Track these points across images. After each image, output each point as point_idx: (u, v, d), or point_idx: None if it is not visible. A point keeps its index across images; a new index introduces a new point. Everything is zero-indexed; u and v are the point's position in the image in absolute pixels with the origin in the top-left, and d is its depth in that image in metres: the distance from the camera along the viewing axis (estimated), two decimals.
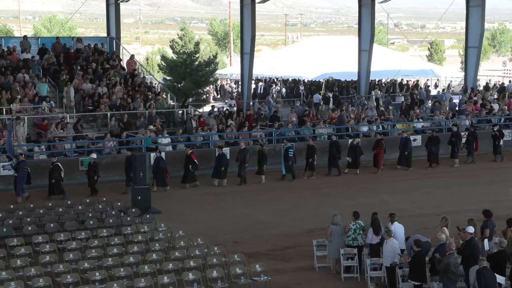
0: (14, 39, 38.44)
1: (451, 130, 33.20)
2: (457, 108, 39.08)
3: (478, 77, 46.22)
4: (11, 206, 23.13)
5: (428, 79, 57.83)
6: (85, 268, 17.34)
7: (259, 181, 29.24)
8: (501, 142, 33.77)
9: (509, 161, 33.81)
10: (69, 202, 23.60)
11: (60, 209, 22.43)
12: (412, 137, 33.77)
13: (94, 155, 27.19)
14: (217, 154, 28.87)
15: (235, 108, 40.09)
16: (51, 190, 26.18)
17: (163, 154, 28.17)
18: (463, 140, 33.39)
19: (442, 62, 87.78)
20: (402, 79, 52.30)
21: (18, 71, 32.98)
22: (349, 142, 31.53)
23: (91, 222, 21.21)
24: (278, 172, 30.04)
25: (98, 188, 26.76)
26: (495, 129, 34.19)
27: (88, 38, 38.73)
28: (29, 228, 20.48)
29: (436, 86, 58.80)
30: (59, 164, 26.18)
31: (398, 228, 18.06)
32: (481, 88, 47.60)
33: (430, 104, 40.55)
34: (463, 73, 49.12)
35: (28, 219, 21.27)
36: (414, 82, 52.08)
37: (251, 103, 40.47)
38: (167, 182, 27.84)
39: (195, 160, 28.28)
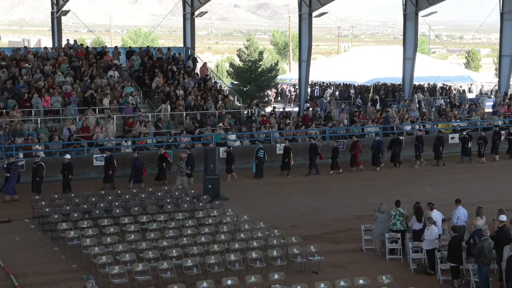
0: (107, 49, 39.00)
1: (416, 134, 31.63)
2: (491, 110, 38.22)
3: (511, 83, 45.10)
4: (102, 192, 23.59)
5: (471, 84, 56.72)
6: (163, 246, 17.55)
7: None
8: (470, 145, 31.79)
9: None
10: (150, 189, 23.91)
11: (143, 195, 22.75)
12: (450, 135, 33.09)
13: (68, 156, 25.54)
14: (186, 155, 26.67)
15: (295, 109, 39.81)
16: (33, 187, 24.64)
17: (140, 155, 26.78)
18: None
19: (478, 69, 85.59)
20: (445, 84, 51.48)
21: (107, 72, 33.64)
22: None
23: (169, 206, 21.45)
24: (327, 165, 29.62)
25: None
26: (464, 133, 32.39)
27: (167, 48, 39.08)
28: (117, 211, 20.85)
29: (481, 92, 57.34)
30: (43, 164, 24.70)
31: (437, 215, 17.83)
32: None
33: (467, 106, 39.72)
34: (497, 79, 47.93)
35: (116, 203, 21.64)
36: (449, 86, 51.24)
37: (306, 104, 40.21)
38: (142, 179, 26.19)
39: (168, 159, 26.75)
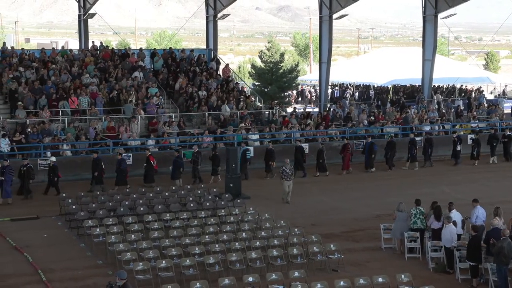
0: (131, 51, 39.21)
1: (409, 136, 31.04)
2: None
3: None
4: (127, 190, 23.74)
5: (493, 87, 56.12)
6: (186, 243, 17.61)
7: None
8: (459, 147, 31.12)
9: None
10: (173, 188, 23.99)
11: (166, 193, 22.84)
12: (469, 136, 32.74)
13: (53, 158, 25.09)
14: (174, 157, 26.47)
15: (316, 109, 39.63)
16: (22, 190, 24.24)
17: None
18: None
19: (497, 70, 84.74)
20: (461, 85, 51.03)
21: (131, 73, 33.76)
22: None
23: (192, 204, 21.52)
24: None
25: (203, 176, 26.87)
26: (454, 135, 31.71)
27: (190, 50, 39.21)
28: (141, 209, 20.94)
29: (500, 94, 56.62)
30: (32, 166, 24.38)
31: (456, 215, 17.67)
32: None
33: (486, 107, 39.29)
34: None
35: (141, 201, 21.75)
36: (471, 88, 50.71)
37: (330, 104, 40.06)
38: (127, 182, 25.48)
39: (152, 162, 25.87)
